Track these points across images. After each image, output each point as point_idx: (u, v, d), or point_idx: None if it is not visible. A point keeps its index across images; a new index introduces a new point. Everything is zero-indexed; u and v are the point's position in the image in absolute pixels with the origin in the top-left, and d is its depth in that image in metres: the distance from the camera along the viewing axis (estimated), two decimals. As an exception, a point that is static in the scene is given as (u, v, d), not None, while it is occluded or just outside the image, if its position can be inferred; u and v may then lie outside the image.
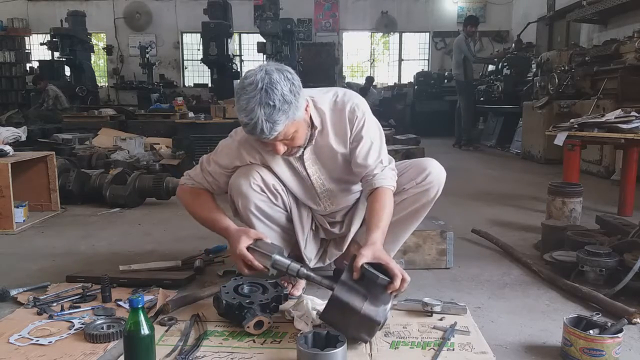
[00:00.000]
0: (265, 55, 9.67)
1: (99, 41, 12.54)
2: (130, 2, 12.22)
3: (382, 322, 1.44)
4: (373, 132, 1.69)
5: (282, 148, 1.56)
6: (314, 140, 1.67)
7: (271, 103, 1.41)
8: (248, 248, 1.56)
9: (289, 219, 1.81)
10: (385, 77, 12.75)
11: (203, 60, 10.02)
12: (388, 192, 1.68)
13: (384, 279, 1.42)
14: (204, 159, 1.79)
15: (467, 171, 5.40)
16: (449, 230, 2.18)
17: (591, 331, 1.38)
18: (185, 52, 12.67)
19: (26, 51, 12.54)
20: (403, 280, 1.43)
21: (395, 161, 1.86)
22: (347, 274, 1.46)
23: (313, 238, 1.90)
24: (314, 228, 1.90)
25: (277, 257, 1.54)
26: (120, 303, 1.75)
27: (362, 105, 1.69)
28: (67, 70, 10.86)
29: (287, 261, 1.55)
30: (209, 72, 10.69)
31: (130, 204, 3.50)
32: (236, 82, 10.80)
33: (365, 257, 1.45)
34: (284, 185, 1.76)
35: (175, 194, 3.50)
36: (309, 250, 1.87)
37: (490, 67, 9.00)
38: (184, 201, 1.80)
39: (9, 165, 2.84)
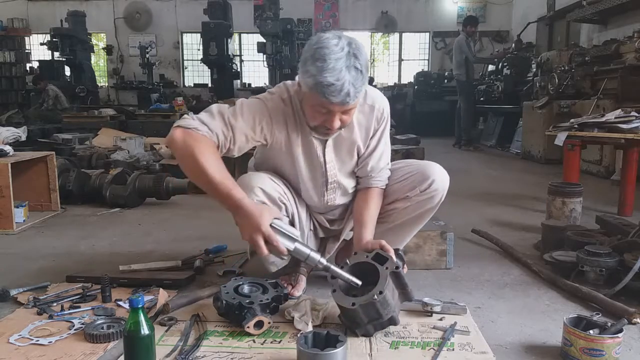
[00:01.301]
0: (265, 55, 9.68)
1: (99, 41, 12.55)
2: (130, 2, 12.22)
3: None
4: (387, 136, 1.75)
5: (337, 123, 1.49)
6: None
7: (358, 67, 1.39)
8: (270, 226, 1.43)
9: (291, 223, 1.80)
10: (385, 77, 12.76)
11: (203, 60, 10.04)
12: (381, 192, 1.78)
13: (405, 258, 1.62)
14: (223, 109, 1.54)
15: (467, 171, 5.40)
16: (449, 230, 2.18)
17: (591, 331, 1.38)
18: (185, 52, 12.68)
19: (26, 51, 12.56)
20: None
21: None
22: (389, 279, 1.45)
23: (313, 238, 1.91)
24: (312, 228, 1.91)
25: (299, 245, 1.47)
26: (120, 303, 1.75)
27: (387, 108, 1.72)
28: (67, 70, 10.88)
29: (307, 250, 1.47)
30: (209, 72, 10.71)
31: (130, 204, 3.50)
32: (236, 82, 10.92)
33: (387, 244, 1.55)
34: (297, 171, 1.70)
35: (174, 193, 3.55)
36: None
37: (490, 67, 9.00)
38: (190, 148, 1.44)
39: (9, 165, 2.83)
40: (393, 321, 1.48)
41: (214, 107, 1.56)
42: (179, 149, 1.46)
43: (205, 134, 1.47)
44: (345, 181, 1.78)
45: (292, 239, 1.45)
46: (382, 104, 1.70)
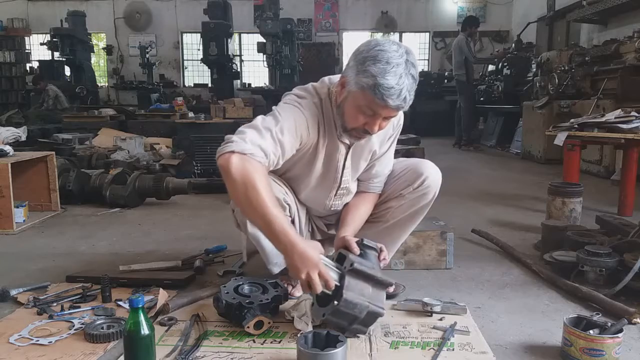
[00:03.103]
0: (265, 55, 9.69)
1: (99, 41, 12.55)
2: (130, 2, 12.23)
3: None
4: (395, 144, 1.76)
5: (377, 127, 1.48)
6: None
7: (414, 76, 1.41)
8: None
9: (292, 222, 1.79)
10: (386, 77, 12.73)
11: (203, 60, 10.04)
12: (376, 197, 1.80)
13: (377, 246, 1.58)
14: (268, 123, 1.47)
15: (467, 171, 5.40)
16: (449, 231, 2.18)
17: (591, 331, 1.39)
18: (185, 52, 12.68)
19: (26, 51, 12.56)
20: (382, 249, 1.60)
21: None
22: (349, 278, 1.43)
23: (310, 240, 1.91)
24: (310, 230, 1.91)
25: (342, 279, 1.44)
26: (120, 303, 1.75)
27: (402, 116, 1.73)
28: (67, 70, 10.87)
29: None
30: (209, 72, 10.71)
31: (130, 204, 3.50)
32: (236, 82, 10.91)
33: (354, 238, 1.58)
34: (308, 175, 1.69)
35: (174, 193, 3.55)
36: None
37: (490, 67, 9.00)
38: (251, 179, 1.36)
39: (9, 165, 2.83)
40: (375, 314, 1.45)
41: (259, 120, 1.49)
42: (237, 177, 1.36)
43: (260, 160, 1.40)
44: (353, 187, 1.79)
45: (337, 273, 1.45)
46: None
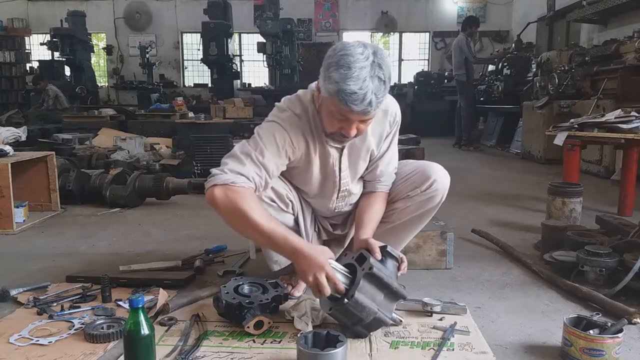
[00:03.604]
0: (265, 55, 9.70)
1: (99, 41, 12.55)
2: (130, 2, 12.22)
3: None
4: (397, 141, 1.76)
5: (354, 131, 1.47)
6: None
7: (382, 78, 1.38)
8: None
9: (296, 221, 1.80)
10: (385, 77, 12.73)
11: (203, 60, 10.05)
12: (386, 196, 1.78)
13: (399, 256, 1.55)
14: (247, 148, 1.53)
15: (467, 171, 5.40)
16: (449, 230, 2.18)
17: (591, 331, 1.39)
18: (185, 52, 12.68)
19: (26, 51, 12.56)
20: (402, 260, 1.57)
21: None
22: (364, 281, 1.43)
23: (317, 240, 1.92)
24: (316, 230, 1.91)
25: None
26: (120, 303, 1.75)
27: (399, 112, 1.73)
28: (67, 70, 10.88)
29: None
30: (209, 72, 10.72)
31: (130, 204, 3.50)
32: (236, 82, 10.91)
33: (377, 242, 1.54)
34: (308, 180, 1.70)
35: (174, 193, 3.55)
36: None
37: (490, 67, 9.00)
38: (235, 204, 1.43)
39: (9, 165, 2.83)
40: (380, 321, 1.45)
41: (237, 149, 1.54)
42: (223, 207, 1.44)
43: (243, 185, 1.46)
44: (355, 188, 1.78)
45: (347, 277, 1.46)
46: (395, 109, 1.70)
